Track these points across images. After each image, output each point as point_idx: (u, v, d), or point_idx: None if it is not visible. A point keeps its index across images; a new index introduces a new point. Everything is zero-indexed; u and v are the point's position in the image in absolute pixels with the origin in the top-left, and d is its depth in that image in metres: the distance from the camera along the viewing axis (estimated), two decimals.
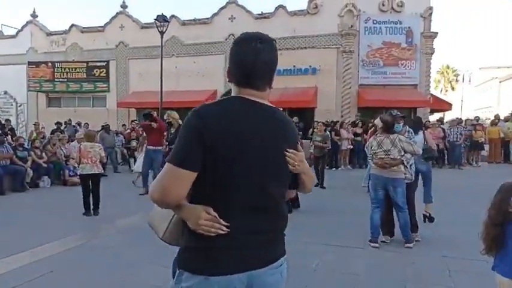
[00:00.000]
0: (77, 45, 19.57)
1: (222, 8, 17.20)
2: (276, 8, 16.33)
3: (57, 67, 19.28)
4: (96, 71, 19.09)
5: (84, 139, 7.31)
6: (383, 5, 15.33)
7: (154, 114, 7.84)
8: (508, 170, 11.73)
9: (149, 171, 8.14)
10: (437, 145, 12.67)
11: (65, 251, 4.65)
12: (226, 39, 17.11)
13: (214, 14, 17.34)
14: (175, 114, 7.67)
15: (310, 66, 15.87)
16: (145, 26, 18.63)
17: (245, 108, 1.44)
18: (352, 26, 15.20)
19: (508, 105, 34.10)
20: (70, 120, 16.20)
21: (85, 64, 19.14)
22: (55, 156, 10.05)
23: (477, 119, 14.81)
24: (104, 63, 19.07)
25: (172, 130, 7.60)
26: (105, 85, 19.22)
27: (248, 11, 16.81)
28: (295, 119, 13.55)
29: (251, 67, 1.46)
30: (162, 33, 14.70)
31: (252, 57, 1.44)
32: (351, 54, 15.30)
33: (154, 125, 7.79)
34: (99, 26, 19.35)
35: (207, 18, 17.53)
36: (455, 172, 12.11)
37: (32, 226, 5.82)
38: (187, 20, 17.93)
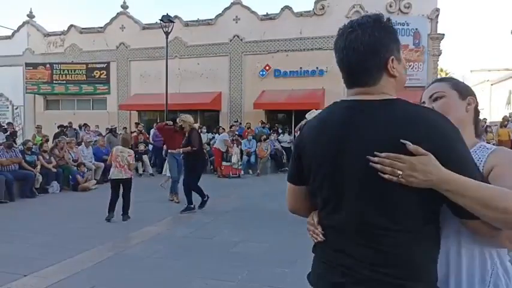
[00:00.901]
0: (76, 46, 19.10)
1: (226, 9, 16.94)
2: (282, 8, 16.13)
3: (56, 69, 18.78)
4: (96, 73, 18.65)
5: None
6: (390, 6, 15.25)
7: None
8: None
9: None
10: None
11: (101, 263, 4.33)
12: (230, 40, 16.87)
13: (219, 15, 17.07)
14: (190, 118, 6.98)
15: (317, 67, 15.69)
16: (146, 27, 18.29)
17: (339, 112, 1.21)
18: None
19: (499, 107, 34.52)
20: (71, 123, 15.72)
21: (85, 66, 18.68)
22: (63, 161, 9.68)
23: (485, 120, 14.78)
24: (104, 65, 18.64)
25: (186, 135, 6.84)
26: (105, 87, 18.78)
27: (253, 12, 16.58)
28: (305, 121, 13.34)
29: (343, 62, 1.21)
30: (167, 33, 14.40)
31: (341, 50, 1.20)
32: None
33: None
34: (99, 27, 18.92)
35: (211, 19, 17.25)
36: None
37: (56, 235, 5.47)
38: (191, 21, 17.63)
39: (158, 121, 17.38)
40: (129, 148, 6.78)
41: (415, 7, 15.27)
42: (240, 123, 15.17)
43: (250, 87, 16.50)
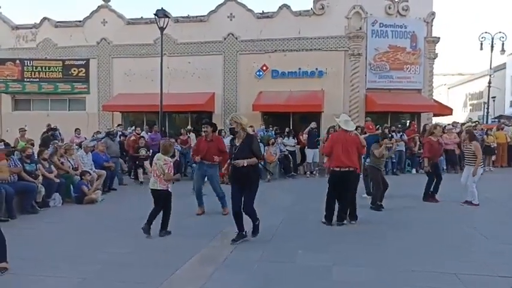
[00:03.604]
0: (50, 41, 17.41)
1: (220, 5, 16.12)
2: (280, 7, 15.59)
3: (27, 65, 17.00)
4: (74, 71, 17.10)
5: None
6: (389, 8, 15.19)
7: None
8: None
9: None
10: (453, 150, 12.83)
11: None
12: (225, 38, 16.08)
13: (212, 12, 16.21)
14: (244, 119, 5.38)
15: (316, 68, 15.30)
16: (131, 22, 17.04)
17: None
18: (360, 29, 14.88)
19: (457, 109, 36.36)
20: (49, 125, 14.16)
21: (61, 62, 17.06)
22: (63, 169, 8.50)
23: (476, 122, 15.13)
24: (83, 62, 17.13)
25: (237, 141, 5.28)
26: (84, 86, 17.27)
27: (249, 10, 15.89)
28: (313, 124, 12.91)
29: None
30: (162, 29, 13.38)
31: None
32: (359, 58, 14.97)
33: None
34: (77, 21, 17.38)
35: (203, 16, 16.36)
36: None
37: (100, 262, 4.52)
38: (181, 17, 16.61)
39: (145, 124, 16.24)
40: (170, 156, 5.93)
41: (413, 10, 15.34)
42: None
43: (246, 88, 15.80)
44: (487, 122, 23.85)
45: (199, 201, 7.08)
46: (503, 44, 23.79)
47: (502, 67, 35.04)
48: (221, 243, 5.39)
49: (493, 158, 13.65)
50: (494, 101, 31.40)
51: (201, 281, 4.00)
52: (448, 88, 53.32)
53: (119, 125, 14.76)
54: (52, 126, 12.43)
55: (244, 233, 5.37)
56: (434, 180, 7.99)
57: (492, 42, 23.49)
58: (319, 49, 15.29)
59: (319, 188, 9.93)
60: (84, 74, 17.16)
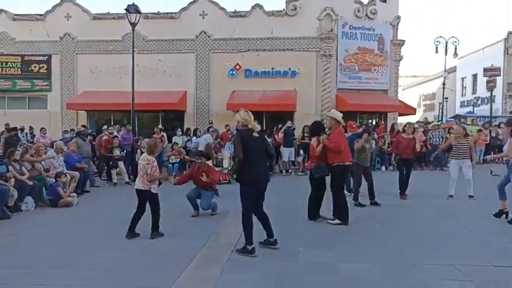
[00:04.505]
0: (7, 34, 16.30)
1: (192, 3, 15.89)
2: (253, 7, 15.64)
3: None
4: (35, 67, 16.14)
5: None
6: (358, 11, 15.71)
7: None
8: (480, 171, 12.84)
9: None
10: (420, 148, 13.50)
11: None
12: (197, 36, 15.89)
13: (183, 9, 15.94)
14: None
15: (289, 68, 15.52)
16: (98, 17, 16.36)
17: None
18: (331, 30, 15.26)
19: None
20: (8, 124, 13.24)
21: (20, 58, 16.03)
22: (35, 171, 8.00)
23: (440, 122, 16.04)
24: (44, 58, 16.21)
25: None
26: (45, 83, 16.34)
27: (222, 8, 15.81)
28: (289, 123, 13.04)
29: None
30: (133, 25, 12.86)
31: None
32: (330, 58, 15.35)
33: None
34: (38, 14, 16.41)
35: (174, 13, 16.04)
36: (440, 173, 12.78)
37: (98, 268, 4.30)
38: (151, 14, 16.16)
39: (112, 123, 15.62)
40: (154, 156, 5.72)
41: (380, 14, 15.98)
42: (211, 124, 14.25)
43: (219, 87, 15.70)
44: (442, 121, 25.32)
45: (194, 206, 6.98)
46: (455, 48, 25.27)
47: (453, 70, 37.25)
48: (217, 244, 5.31)
49: None
50: (447, 101, 33.39)
51: (211, 282, 3.93)
52: (403, 89, 56.00)
53: (82, 126, 14.08)
54: (19, 127, 11.61)
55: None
56: (407, 176, 8.24)
57: (446, 45, 24.84)
58: (291, 49, 15.50)
59: (299, 186, 10.09)
60: (45, 71, 16.25)
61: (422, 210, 7.25)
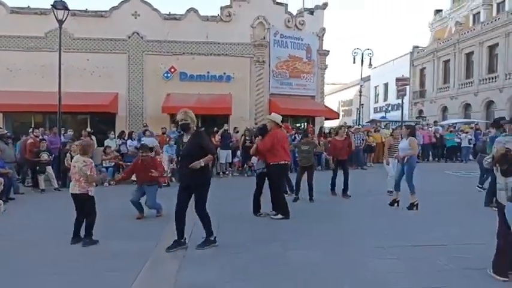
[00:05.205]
0: None
1: (123, 2, 15.40)
2: (188, 10, 15.70)
3: None
4: None
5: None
6: (288, 21, 16.67)
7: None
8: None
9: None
10: None
11: None
12: (129, 37, 15.47)
13: (114, 8, 15.38)
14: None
15: (224, 73, 15.86)
16: (16, 11, 15.05)
17: None
18: (264, 38, 15.98)
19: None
20: None
21: None
22: None
23: (360, 126, 17.68)
24: None
25: (185, 138, 5.03)
26: None
27: (155, 9, 15.58)
28: (226, 126, 13.40)
29: None
30: (61, 22, 12.15)
31: None
32: (263, 65, 16.05)
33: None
34: None
35: (104, 11, 15.42)
36: (362, 172, 14.15)
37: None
38: (78, 11, 15.31)
39: (33, 126, 14.43)
40: (89, 157, 5.61)
41: (308, 25, 17.14)
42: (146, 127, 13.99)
43: (153, 90, 15.45)
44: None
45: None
46: (370, 59, 27.79)
47: (368, 79, 40.93)
48: (169, 244, 5.42)
49: (373, 155, 16.16)
50: (363, 107, 36.57)
51: (171, 278, 4.10)
52: (325, 96, 59.95)
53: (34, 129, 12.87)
54: None
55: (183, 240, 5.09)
56: (346, 177, 8.76)
57: (362, 56, 27.25)
58: (226, 54, 15.88)
59: (239, 187, 10.50)
60: None
61: (354, 204, 8.09)
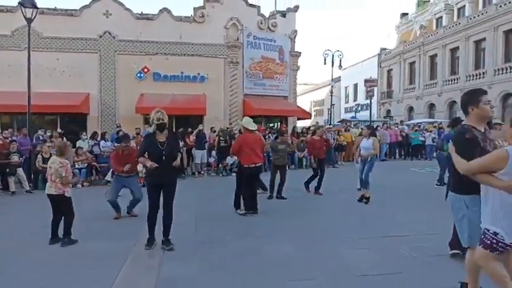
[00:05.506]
0: None
1: (94, 1, 15.20)
2: (161, 10, 15.69)
3: None
4: None
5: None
6: (261, 23, 16.97)
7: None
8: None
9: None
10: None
11: None
12: (100, 36, 15.29)
13: (85, 7, 15.16)
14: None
15: (198, 74, 15.96)
16: None
17: None
18: (237, 39, 16.19)
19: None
20: None
21: None
22: None
23: (332, 125, 18.24)
24: None
25: (160, 138, 5.12)
26: None
27: (127, 9, 15.48)
28: (201, 126, 13.50)
29: None
30: (30, 20, 11.93)
31: None
32: (237, 65, 16.27)
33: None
34: None
35: (75, 10, 15.15)
36: (333, 170, 14.62)
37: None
38: (46, 9, 14.98)
39: (0, 127, 13.98)
40: (65, 158, 5.66)
41: (280, 27, 17.51)
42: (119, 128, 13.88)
43: (126, 90, 15.34)
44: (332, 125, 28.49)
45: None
46: (340, 61, 28.50)
47: (338, 79, 41.96)
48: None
49: (343, 154, 16.71)
50: (334, 107, 37.51)
51: (153, 272, 4.26)
52: (297, 96, 60.84)
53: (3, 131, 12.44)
54: None
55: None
56: (322, 175, 9.00)
57: (333, 58, 27.95)
58: (200, 55, 15.99)
59: (214, 186, 10.67)
60: None
61: (326, 201, 8.44)
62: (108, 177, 10.63)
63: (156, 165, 4.96)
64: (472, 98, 3.19)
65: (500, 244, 2.83)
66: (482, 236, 2.92)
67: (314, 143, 9.28)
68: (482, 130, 3.11)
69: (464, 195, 3.13)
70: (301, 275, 4.15)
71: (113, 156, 7.24)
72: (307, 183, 9.22)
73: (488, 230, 2.89)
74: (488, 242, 2.88)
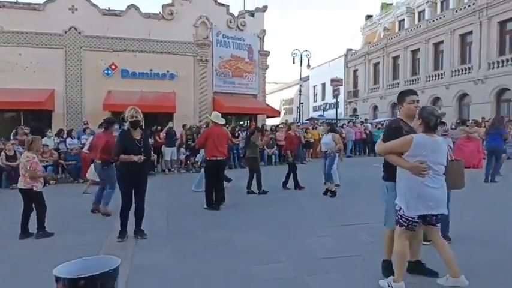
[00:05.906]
0: None
1: None
2: (128, 7, 15.53)
3: None
4: None
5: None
6: (230, 22, 17.17)
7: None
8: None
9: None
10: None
11: None
12: (66, 32, 14.95)
13: (49, 1, 14.76)
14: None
15: (167, 71, 15.94)
16: None
17: None
18: (207, 37, 16.31)
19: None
20: None
21: None
22: None
23: (299, 123, 18.73)
24: None
25: (136, 135, 5.22)
26: None
27: (94, 4, 15.22)
28: (171, 123, 13.54)
29: None
30: None
31: None
32: (206, 64, 16.39)
33: None
34: None
35: (38, 4, 14.72)
36: (301, 166, 15.04)
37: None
38: (7, 2, 14.48)
39: None
40: (33, 153, 5.68)
41: (249, 26, 17.78)
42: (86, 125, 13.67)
43: (93, 87, 15.11)
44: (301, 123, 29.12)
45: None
46: (308, 60, 29.14)
47: (307, 79, 42.81)
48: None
49: (311, 150, 17.23)
50: (302, 106, 38.27)
51: (127, 259, 4.40)
52: (267, 94, 61.44)
53: None
54: None
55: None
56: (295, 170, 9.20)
57: (301, 57, 28.54)
58: (169, 52, 15.98)
59: (184, 183, 10.79)
60: None
61: (295, 195, 8.80)
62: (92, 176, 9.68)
63: (145, 157, 5.12)
64: (400, 97, 3.66)
65: (403, 219, 3.30)
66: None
67: (292, 138, 9.41)
68: (412, 125, 3.52)
69: (387, 182, 3.64)
70: (268, 259, 4.44)
71: (102, 148, 6.94)
72: (285, 183, 9.26)
73: (396, 206, 3.36)
74: (398, 217, 3.35)
